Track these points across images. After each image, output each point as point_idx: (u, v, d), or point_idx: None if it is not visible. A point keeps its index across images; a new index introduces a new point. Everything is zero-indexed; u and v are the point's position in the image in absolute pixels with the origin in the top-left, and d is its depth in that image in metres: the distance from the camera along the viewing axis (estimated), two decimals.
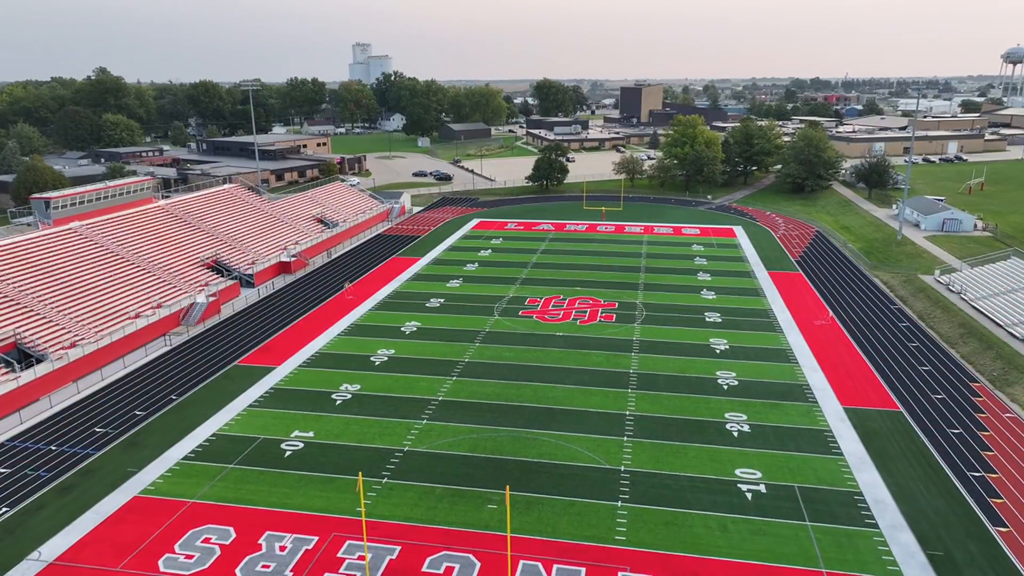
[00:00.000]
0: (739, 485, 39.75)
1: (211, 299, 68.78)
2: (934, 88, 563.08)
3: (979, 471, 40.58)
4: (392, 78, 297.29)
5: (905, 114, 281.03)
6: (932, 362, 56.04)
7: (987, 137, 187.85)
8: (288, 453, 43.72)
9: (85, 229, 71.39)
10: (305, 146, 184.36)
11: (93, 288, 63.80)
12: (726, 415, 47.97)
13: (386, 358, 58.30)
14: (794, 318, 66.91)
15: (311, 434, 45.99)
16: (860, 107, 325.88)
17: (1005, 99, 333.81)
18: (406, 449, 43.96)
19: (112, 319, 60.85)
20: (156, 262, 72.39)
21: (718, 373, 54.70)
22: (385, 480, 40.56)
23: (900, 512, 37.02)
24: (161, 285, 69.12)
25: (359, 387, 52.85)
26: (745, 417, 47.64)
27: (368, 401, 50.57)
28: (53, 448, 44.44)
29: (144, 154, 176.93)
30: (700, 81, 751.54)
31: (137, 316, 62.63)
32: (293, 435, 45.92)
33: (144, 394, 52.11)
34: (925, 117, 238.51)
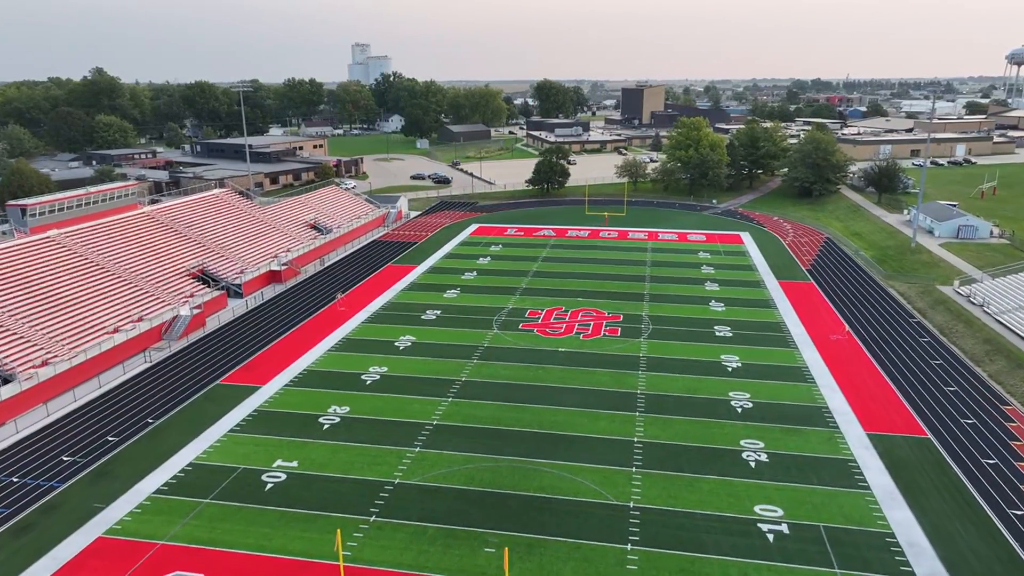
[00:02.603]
0: (759, 525, 36.42)
1: (195, 311, 65.45)
2: (936, 89, 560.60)
3: (1020, 509, 37.24)
4: (391, 79, 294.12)
5: (910, 115, 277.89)
6: (958, 382, 52.72)
7: (995, 139, 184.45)
8: (269, 486, 40.38)
9: (63, 237, 68.05)
10: (301, 148, 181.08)
11: (70, 301, 60.48)
12: (742, 442, 44.63)
13: (378, 376, 54.96)
14: (808, 332, 63.58)
15: (295, 464, 42.64)
16: (863, 108, 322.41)
17: (1010, 100, 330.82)
18: (397, 482, 40.62)
19: (89, 334, 57.50)
20: (139, 272, 69.06)
21: (731, 394, 51.37)
22: (373, 519, 37.20)
23: (938, 558, 33.68)
24: (143, 297, 65.80)
25: (348, 409, 49.50)
26: (762, 444, 44.31)
27: (358, 426, 47.23)
28: (15, 480, 41.09)
29: (137, 156, 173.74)
30: (700, 82, 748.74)
31: (116, 331, 59.29)
32: (276, 465, 42.57)
33: (118, 417, 48.75)
34: (931, 119, 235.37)
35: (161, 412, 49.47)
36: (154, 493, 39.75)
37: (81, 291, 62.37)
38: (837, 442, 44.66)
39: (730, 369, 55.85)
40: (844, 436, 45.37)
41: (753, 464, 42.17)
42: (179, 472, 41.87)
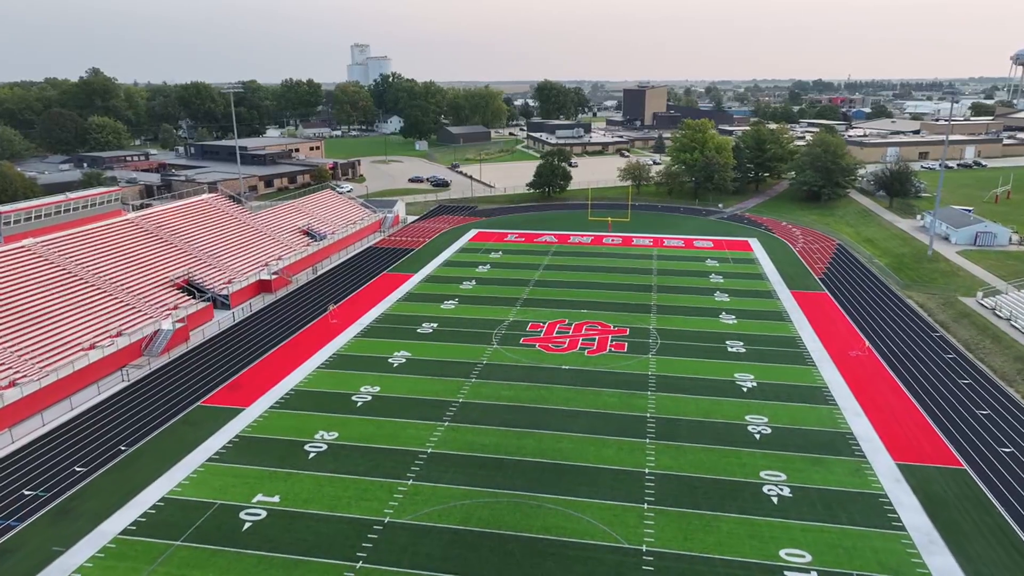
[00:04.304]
0: (787, 573, 32.93)
1: (178, 325, 61.93)
2: (938, 90, 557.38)
3: None
4: (390, 79, 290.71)
5: (915, 117, 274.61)
6: (991, 404, 49.20)
7: (1005, 141, 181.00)
8: (248, 525, 36.87)
9: (40, 247, 64.54)
10: (297, 150, 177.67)
11: (44, 315, 56.96)
12: (762, 474, 41.14)
13: (370, 397, 51.46)
14: (826, 348, 60.09)
15: (276, 499, 39.15)
16: (867, 110, 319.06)
17: (1015, 101, 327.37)
18: (387, 520, 37.12)
19: (62, 351, 53.96)
20: (119, 283, 65.57)
21: (747, 418, 47.88)
22: (360, 564, 33.70)
23: None
24: (124, 309, 62.31)
25: (336, 435, 46.01)
26: (784, 477, 40.82)
27: (346, 454, 43.73)
28: None
29: (129, 158, 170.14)
30: (701, 83, 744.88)
31: (92, 347, 55.74)
32: (256, 500, 39.07)
33: (88, 444, 45.25)
34: (937, 120, 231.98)
35: (135, 438, 45.97)
36: (120, 534, 36.23)
37: (57, 304, 58.87)
38: (865, 474, 41.16)
39: (745, 389, 52.37)
40: (872, 466, 41.89)
41: (775, 499, 38.69)
42: (149, 509, 38.35)
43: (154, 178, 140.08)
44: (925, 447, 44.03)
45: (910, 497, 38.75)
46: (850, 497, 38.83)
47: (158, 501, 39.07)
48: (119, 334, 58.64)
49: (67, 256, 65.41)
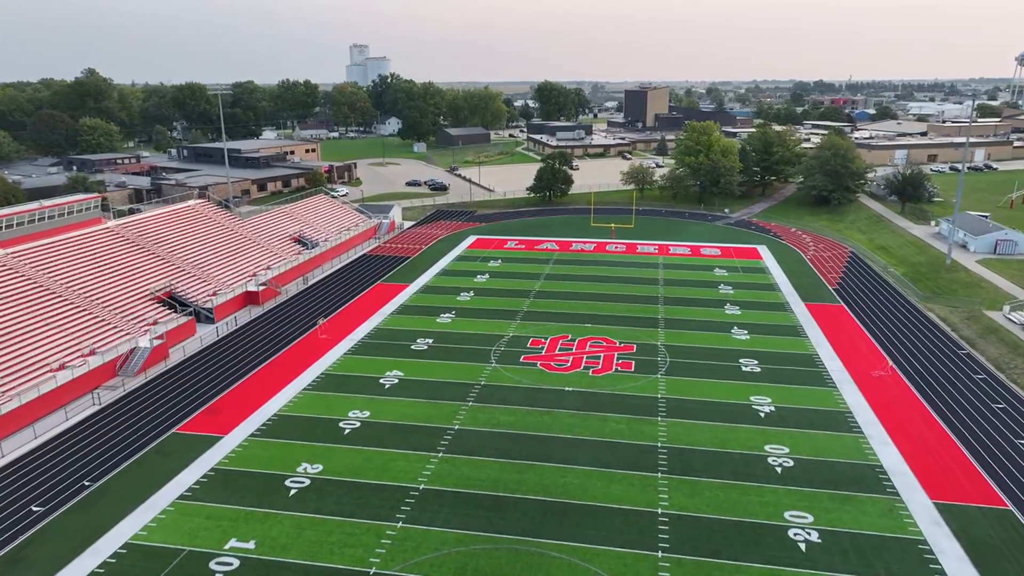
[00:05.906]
0: None
1: (157, 342, 58.21)
2: (940, 91, 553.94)
3: None
4: (389, 80, 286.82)
5: (920, 119, 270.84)
6: None
7: (1015, 144, 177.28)
8: None
9: (10, 258, 60.77)
10: (292, 152, 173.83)
11: (9, 333, 53.09)
12: (786, 515, 37.43)
13: (358, 424, 47.72)
14: (846, 367, 56.41)
15: (251, 544, 35.40)
16: (871, 111, 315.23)
17: (1020, 103, 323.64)
18: (372, 572, 33.36)
19: (28, 373, 50.19)
20: (96, 297, 61.83)
21: (767, 448, 44.16)
22: None
23: None
24: (98, 325, 58.55)
25: (321, 468, 42.27)
26: (811, 519, 37.09)
27: (330, 490, 39.99)
28: None
29: (120, 161, 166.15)
30: (701, 84, 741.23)
31: (62, 367, 51.97)
32: (228, 546, 35.32)
33: (49, 479, 41.48)
34: (944, 122, 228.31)
35: (102, 471, 42.22)
36: None
37: (25, 320, 55.04)
38: (900, 515, 37.44)
39: (762, 415, 48.64)
40: (907, 506, 38.18)
41: (803, 546, 34.97)
42: (109, 557, 34.59)
43: (144, 182, 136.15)
44: (963, 483, 40.32)
45: (952, 543, 35.06)
46: (885, 543, 35.13)
47: (120, 548, 35.33)
48: (92, 353, 54.89)
49: (39, 268, 61.65)
